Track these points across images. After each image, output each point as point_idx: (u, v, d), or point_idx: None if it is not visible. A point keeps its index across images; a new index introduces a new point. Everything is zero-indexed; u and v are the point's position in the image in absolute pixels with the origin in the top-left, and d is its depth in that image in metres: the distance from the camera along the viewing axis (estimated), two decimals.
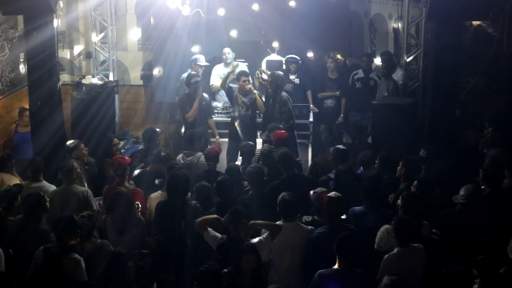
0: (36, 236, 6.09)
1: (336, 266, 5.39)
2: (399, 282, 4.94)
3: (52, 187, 7.29)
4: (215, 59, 10.90)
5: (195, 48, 10.63)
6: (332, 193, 6.08)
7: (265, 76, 10.17)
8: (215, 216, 6.08)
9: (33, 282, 5.60)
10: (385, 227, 6.02)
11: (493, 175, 6.70)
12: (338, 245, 5.37)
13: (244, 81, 9.65)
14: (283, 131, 8.53)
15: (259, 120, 9.91)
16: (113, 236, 6.34)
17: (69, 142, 8.25)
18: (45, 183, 7.35)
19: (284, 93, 9.48)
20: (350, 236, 5.48)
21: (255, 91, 9.69)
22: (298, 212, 6.25)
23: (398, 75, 10.51)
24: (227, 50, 10.54)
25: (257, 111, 9.78)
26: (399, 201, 6.24)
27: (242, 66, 10.56)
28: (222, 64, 10.66)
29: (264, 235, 5.91)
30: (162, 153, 7.88)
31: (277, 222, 6.04)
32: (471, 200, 6.27)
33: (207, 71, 10.66)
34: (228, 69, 10.45)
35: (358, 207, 6.53)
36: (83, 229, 5.86)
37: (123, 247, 5.94)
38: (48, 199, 6.50)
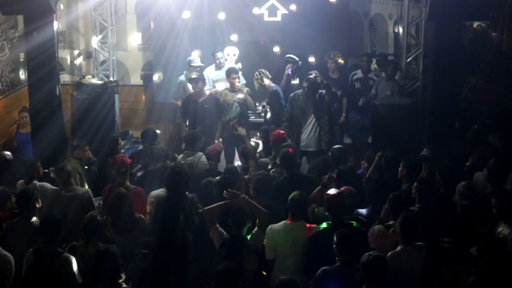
0: (31, 234, 6.10)
1: (338, 263, 5.40)
2: (378, 257, 5.01)
3: (46, 185, 7.30)
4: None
5: (195, 50, 10.62)
6: (331, 190, 6.10)
7: (266, 81, 10.15)
8: (224, 202, 6.09)
9: (26, 285, 5.58)
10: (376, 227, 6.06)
11: (498, 174, 6.68)
12: (338, 243, 5.39)
13: (234, 78, 9.69)
14: (281, 131, 8.52)
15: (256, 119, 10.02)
16: (114, 236, 6.35)
17: (74, 141, 8.27)
18: (35, 183, 7.32)
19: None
20: (349, 233, 5.48)
21: (245, 89, 9.70)
22: (306, 212, 6.24)
23: None
24: (219, 54, 10.47)
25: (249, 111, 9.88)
26: (386, 205, 6.25)
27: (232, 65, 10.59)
28: (212, 67, 10.58)
29: (254, 230, 5.95)
30: (161, 152, 7.86)
31: (284, 221, 6.05)
32: (469, 200, 6.27)
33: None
34: (220, 74, 10.43)
35: (364, 209, 6.53)
36: (89, 229, 5.86)
37: (125, 248, 5.95)
38: (38, 196, 6.50)
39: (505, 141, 8.06)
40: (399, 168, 7.17)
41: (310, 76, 9.29)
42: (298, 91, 9.43)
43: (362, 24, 11.69)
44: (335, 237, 5.42)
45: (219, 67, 10.47)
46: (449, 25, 8.57)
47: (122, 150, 9.26)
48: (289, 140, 8.47)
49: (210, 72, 10.57)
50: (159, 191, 6.94)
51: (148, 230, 6.57)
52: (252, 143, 9.10)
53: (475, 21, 10.44)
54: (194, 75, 9.58)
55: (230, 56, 10.69)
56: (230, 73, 9.77)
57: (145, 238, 6.37)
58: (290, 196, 6.10)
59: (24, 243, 6.09)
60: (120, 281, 5.25)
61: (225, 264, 5.11)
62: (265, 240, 5.99)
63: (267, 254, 5.94)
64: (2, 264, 5.58)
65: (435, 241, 6.02)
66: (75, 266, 5.54)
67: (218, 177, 6.81)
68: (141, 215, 6.58)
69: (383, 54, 10.86)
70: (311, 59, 10.85)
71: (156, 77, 11.29)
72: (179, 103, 10.21)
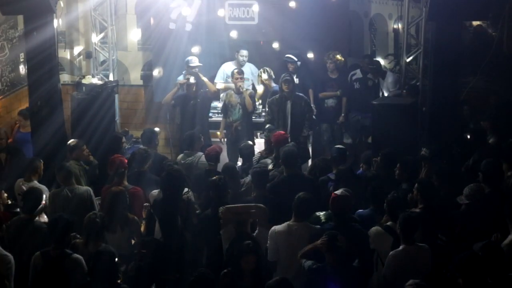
0: (36, 235, 6.12)
1: (326, 261, 5.39)
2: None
3: (43, 188, 7.29)
4: (224, 60, 10.90)
5: (195, 49, 10.63)
6: (338, 191, 6.04)
7: (266, 80, 10.14)
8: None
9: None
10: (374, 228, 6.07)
11: (492, 175, 6.67)
12: (328, 241, 5.38)
13: (237, 78, 9.73)
14: (282, 132, 8.52)
15: (257, 119, 10.07)
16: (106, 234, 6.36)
17: (70, 141, 8.26)
18: (35, 182, 7.35)
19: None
20: (335, 233, 5.45)
21: (244, 89, 9.75)
22: (312, 213, 6.23)
23: (387, 81, 10.54)
24: (245, 52, 10.52)
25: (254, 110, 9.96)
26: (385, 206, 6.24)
27: (250, 66, 10.62)
28: (232, 63, 10.63)
29: (257, 230, 5.94)
30: (145, 153, 7.88)
31: (287, 222, 6.03)
32: (476, 200, 6.27)
33: (210, 68, 10.71)
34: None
35: (365, 210, 6.53)
36: (91, 228, 5.86)
37: (113, 246, 5.95)
38: (44, 198, 6.52)
39: (503, 141, 8.06)
40: (397, 171, 7.17)
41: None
42: (276, 96, 9.51)
43: (362, 24, 11.68)
44: (326, 236, 5.41)
45: (241, 64, 10.47)
46: (449, 25, 8.55)
47: (127, 146, 9.35)
48: None
49: (227, 67, 10.60)
50: (159, 191, 6.94)
51: (142, 233, 6.57)
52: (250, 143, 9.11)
53: (475, 21, 10.43)
54: (191, 80, 9.83)
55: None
56: (233, 73, 9.84)
57: (144, 238, 6.37)
58: (296, 197, 6.06)
59: (23, 240, 6.14)
60: (119, 281, 5.25)
61: (199, 272, 5.10)
62: (268, 241, 5.97)
63: (269, 256, 5.92)
64: (2, 263, 5.58)
65: (436, 242, 6.02)
66: (84, 267, 5.55)
67: (213, 178, 6.80)
68: (135, 217, 6.56)
69: (375, 62, 10.86)
70: (311, 59, 10.86)
71: (156, 72, 11.28)
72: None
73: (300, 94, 9.62)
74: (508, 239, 5.69)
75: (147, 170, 7.68)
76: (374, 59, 11.08)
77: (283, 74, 9.54)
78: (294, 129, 9.33)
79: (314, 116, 10.21)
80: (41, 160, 7.70)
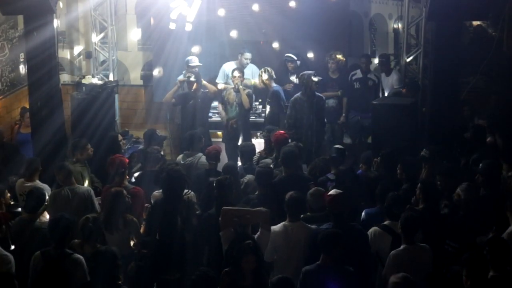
0: (37, 235, 6.13)
1: (319, 262, 5.40)
2: (407, 279, 4.93)
3: (46, 187, 7.30)
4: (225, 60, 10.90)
5: (195, 49, 10.63)
6: (333, 191, 6.05)
7: (267, 80, 10.14)
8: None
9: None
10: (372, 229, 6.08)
11: (491, 177, 6.68)
12: (321, 241, 5.39)
13: (234, 77, 9.74)
14: (282, 131, 8.52)
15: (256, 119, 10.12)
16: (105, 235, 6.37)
17: (74, 141, 8.25)
18: (38, 182, 7.36)
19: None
20: (333, 233, 5.48)
21: (241, 87, 9.77)
22: (304, 211, 6.23)
23: (393, 79, 10.54)
24: (248, 55, 10.51)
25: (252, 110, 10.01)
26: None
27: (251, 68, 10.63)
28: (233, 63, 10.63)
29: (259, 232, 5.93)
30: (157, 153, 7.87)
31: (283, 222, 6.04)
32: (472, 200, 6.27)
33: (210, 69, 10.72)
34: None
35: (373, 208, 6.55)
36: (85, 231, 5.87)
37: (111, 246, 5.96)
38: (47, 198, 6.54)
39: (504, 141, 8.06)
40: (398, 172, 7.17)
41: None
42: (298, 94, 9.44)
43: (362, 24, 11.68)
44: (319, 236, 5.43)
45: (243, 66, 10.47)
46: (449, 25, 8.56)
47: (127, 146, 9.31)
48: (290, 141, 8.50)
49: (228, 68, 10.57)
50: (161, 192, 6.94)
51: (141, 234, 6.57)
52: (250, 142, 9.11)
53: (475, 21, 10.44)
54: (192, 78, 9.79)
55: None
56: (233, 71, 9.92)
57: (144, 238, 6.37)
58: (287, 196, 6.06)
59: (25, 240, 6.15)
60: (119, 282, 5.25)
61: (200, 272, 5.10)
62: None
63: (266, 256, 5.91)
64: (2, 264, 5.58)
65: (438, 243, 6.02)
66: (85, 268, 5.55)
67: (219, 177, 6.78)
68: (133, 217, 6.56)
69: (385, 55, 10.86)
70: (311, 59, 10.86)
71: (156, 71, 11.28)
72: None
73: (320, 94, 9.59)
74: (509, 230, 5.72)
75: (157, 170, 7.67)
76: (380, 54, 11.08)
77: (311, 72, 9.42)
78: (317, 128, 9.29)
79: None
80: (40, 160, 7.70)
